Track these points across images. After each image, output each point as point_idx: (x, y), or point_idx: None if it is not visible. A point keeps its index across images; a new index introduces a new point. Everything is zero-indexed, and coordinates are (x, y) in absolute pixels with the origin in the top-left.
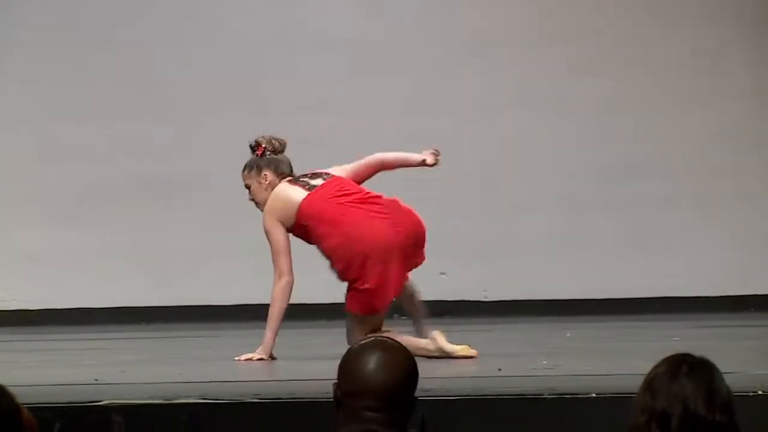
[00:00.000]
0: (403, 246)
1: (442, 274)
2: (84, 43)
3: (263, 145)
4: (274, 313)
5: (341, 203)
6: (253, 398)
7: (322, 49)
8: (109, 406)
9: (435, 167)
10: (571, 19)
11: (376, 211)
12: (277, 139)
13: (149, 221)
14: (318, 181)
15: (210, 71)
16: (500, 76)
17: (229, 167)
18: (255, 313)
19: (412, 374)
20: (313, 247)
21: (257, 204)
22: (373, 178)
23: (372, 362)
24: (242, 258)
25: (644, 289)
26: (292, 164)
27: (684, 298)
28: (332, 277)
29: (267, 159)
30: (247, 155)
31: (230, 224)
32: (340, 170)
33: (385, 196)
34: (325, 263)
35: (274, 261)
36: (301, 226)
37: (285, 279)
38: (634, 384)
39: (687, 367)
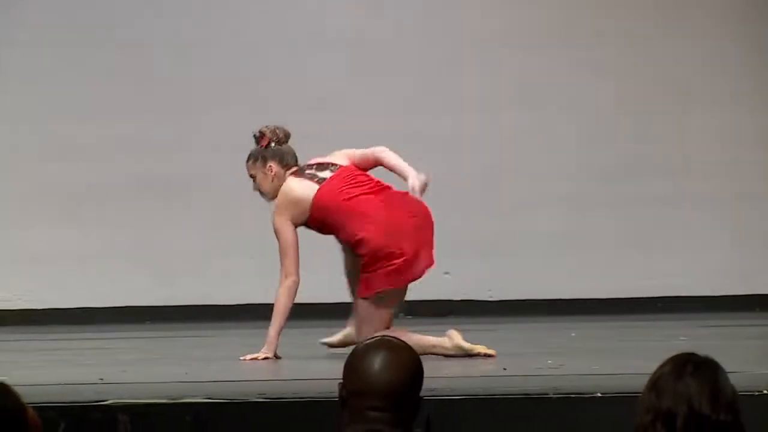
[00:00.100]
0: (423, 229)
1: (446, 273)
2: (84, 43)
3: (267, 136)
4: (279, 313)
5: (355, 195)
6: (258, 398)
7: (322, 49)
8: (115, 405)
9: (417, 195)
10: (572, 19)
11: (391, 200)
12: (281, 129)
13: (149, 221)
14: (326, 173)
15: (210, 71)
16: (500, 76)
17: (230, 167)
18: (256, 313)
19: (418, 374)
20: (316, 247)
21: (263, 194)
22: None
23: (377, 362)
24: (243, 257)
25: (645, 289)
26: None
27: (684, 298)
28: (336, 276)
29: (272, 150)
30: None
31: (231, 223)
32: (343, 156)
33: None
34: (327, 263)
35: (282, 260)
36: (316, 219)
37: (291, 279)
38: (639, 383)
39: (692, 367)
